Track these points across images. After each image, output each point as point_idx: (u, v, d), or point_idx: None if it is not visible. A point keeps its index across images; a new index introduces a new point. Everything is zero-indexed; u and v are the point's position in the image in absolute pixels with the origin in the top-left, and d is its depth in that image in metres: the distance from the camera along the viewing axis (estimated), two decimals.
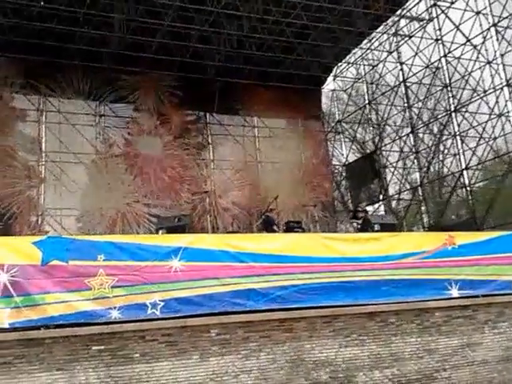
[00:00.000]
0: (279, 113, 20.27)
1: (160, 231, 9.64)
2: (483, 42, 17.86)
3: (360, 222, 11.57)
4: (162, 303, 7.71)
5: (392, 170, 21.44)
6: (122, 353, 6.86)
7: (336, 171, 22.65)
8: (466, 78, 18.64)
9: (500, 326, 8.76)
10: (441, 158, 19.93)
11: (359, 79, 22.09)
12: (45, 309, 7.16)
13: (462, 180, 18.33)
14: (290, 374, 7.41)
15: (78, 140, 17.77)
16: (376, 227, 11.07)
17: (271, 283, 8.37)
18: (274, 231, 12.06)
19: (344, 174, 22.50)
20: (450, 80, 19.04)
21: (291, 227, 12.42)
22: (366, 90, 22.23)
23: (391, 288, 9.09)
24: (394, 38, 20.17)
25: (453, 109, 18.81)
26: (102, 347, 6.79)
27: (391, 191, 21.62)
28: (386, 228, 11.00)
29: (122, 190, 17.90)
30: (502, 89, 16.95)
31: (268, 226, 12.42)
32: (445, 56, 18.99)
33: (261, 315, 7.54)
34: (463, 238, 10.22)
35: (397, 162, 21.17)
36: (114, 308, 7.47)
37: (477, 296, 9.31)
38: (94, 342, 6.80)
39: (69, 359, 6.67)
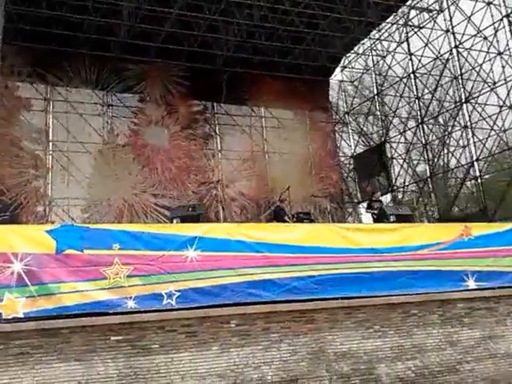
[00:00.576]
0: (287, 103, 20.10)
1: (174, 220, 9.46)
2: (495, 34, 17.60)
3: (376, 211, 11.41)
4: (178, 293, 7.56)
5: (400, 161, 21.26)
6: (141, 343, 6.72)
7: (344, 163, 22.47)
8: (476, 69, 18.41)
9: None
10: (450, 150, 19.65)
11: (368, 70, 21.85)
12: (60, 298, 7.03)
13: (471, 172, 18.14)
14: (311, 365, 7.27)
15: (85, 130, 17.62)
16: (392, 218, 10.91)
17: (287, 274, 8.23)
18: (286, 222, 11.92)
19: (352, 166, 22.30)
20: (461, 71, 18.78)
21: (300, 218, 12.32)
22: (374, 81, 21.99)
23: (408, 279, 8.96)
24: (404, 29, 19.95)
25: (463, 100, 18.56)
26: (121, 337, 6.65)
27: (398, 183, 21.43)
28: (401, 219, 10.84)
29: (130, 181, 17.76)
30: None
31: (279, 216, 12.27)
32: (456, 47, 18.73)
33: (281, 306, 7.40)
34: (480, 229, 10.09)
35: (405, 153, 20.96)
36: (130, 298, 7.32)
37: (493, 288, 9.17)
38: (112, 332, 6.66)
39: (87, 350, 6.53)
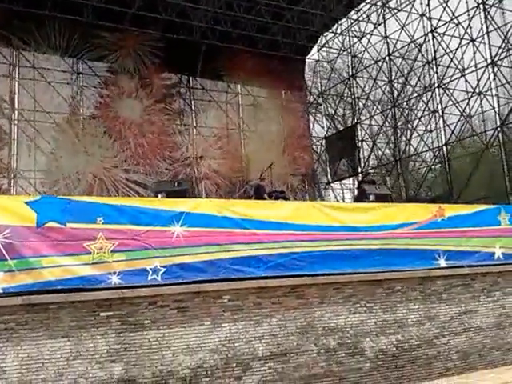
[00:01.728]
0: (262, 81, 20.00)
1: (159, 195, 9.28)
2: (470, 21, 17.86)
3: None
4: (164, 269, 7.41)
5: (370, 144, 21.52)
6: (132, 319, 6.57)
7: (316, 143, 22.57)
8: (449, 55, 18.68)
9: (493, 295, 9.01)
10: (419, 134, 20.00)
11: (344, 51, 21.86)
12: (41, 273, 6.74)
13: (440, 155, 18.55)
14: (300, 340, 7.35)
15: (53, 99, 16.95)
16: (371, 197, 11.06)
17: (272, 250, 8.21)
18: (264, 200, 11.89)
19: (324, 147, 22.42)
20: (435, 56, 19.02)
21: (276, 197, 12.33)
22: (349, 64, 22.03)
23: (385, 257, 9.12)
24: (382, 11, 20.01)
25: (436, 85, 18.86)
26: (111, 313, 6.47)
27: (368, 165, 21.70)
28: (380, 198, 11.04)
29: (100, 154, 17.25)
30: (487, 67, 16.95)
31: (259, 194, 12.23)
32: (432, 31, 18.93)
33: (273, 281, 7.42)
34: (452, 210, 10.37)
35: (376, 136, 21.22)
36: (114, 273, 7.11)
37: (462, 266, 9.47)
38: (102, 307, 6.46)
39: (75, 326, 6.28)
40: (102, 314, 6.41)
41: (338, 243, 8.79)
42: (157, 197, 9.34)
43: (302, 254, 8.35)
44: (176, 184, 9.43)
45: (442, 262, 9.39)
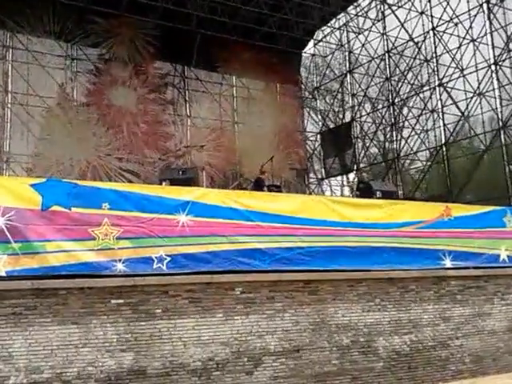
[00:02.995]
0: (258, 74, 19.77)
1: (163, 183, 8.97)
2: (472, 21, 17.81)
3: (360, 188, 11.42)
4: (169, 258, 7.19)
5: (366, 141, 21.39)
6: (144, 307, 6.31)
7: (311, 139, 22.38)
8: (449, 54, 18.62)
9: (507, 298, 8.86)
10: (417, 133, 19.93)
11: (341, 46, 21.68)
12: (45, 257, 6.52)
13: (439, 155, 18.48)
14: (313, 336, 7.12)
15: (46, 84, 16.52)
16: (378, 194, 10.89)
17: (278, 244, 8.02)
18: None
19: (319, 142, 22.25)
20: (436, 54, 18.93)
21: (272, 191, 12.10)
22: (346, 59, 21.85)
23: (390, 255, 8.96)
24: (381, 7, 19.87)
25: (436, 84, 18.79)
26: (122, 301, 6.21)
27: (366, 162, 21.60)
28: (386, 195, 10.86)
29: (94, 142, 16.94)
30: (489, 67, 16.90)
31: (259, 188, 12.01)
32: (433, 29, 18.84)
33: (286, 275, 7.18)
34: (459, 210, 10.25)
35: (374, 133, 21.10)
36: (119, 260, 6.88)
37: (468, 267, 9.34)
38: (112, 295, 6.21)
39: (85, 312, 6.05)
40: (113, 301, 6.18)
41: (344, 239, 8.60)
42: (161, 184, 9.05)
43: (307, 248, 8.15)
44: (181, 172, 9.12)
45: (448, 263, 9.23)
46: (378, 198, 10.73)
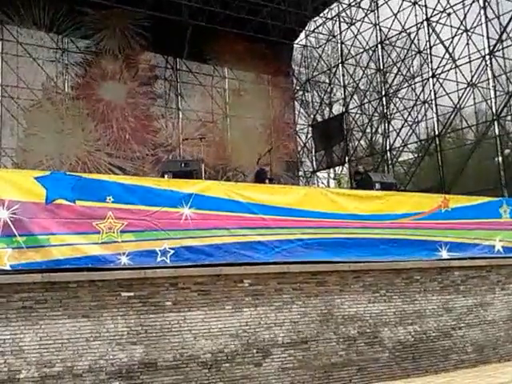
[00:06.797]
0: (250, 67, 19.69)
1: (166, 175, 8.91)
2: (467, 11, 17.83)
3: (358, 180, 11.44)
4: (172, 251, 7.18)
5: (358, 133, 21.42)
6: (154, 300, 6.29)
7: (302, 131, 22.35)
8: (444, 44, 18.58)
9: (508, 288, 8.97)
10: (409, 124, 19.97)
11: (334, 37, 21.64)
12: (49, 251, 6.47)
13: (432, 146, 18.55)
14: (320, 327, 7.15)
15: (37, 78, 16.31)
16: (377, 186, 10.92)
17: (278, 236, 8.03)
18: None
19: (310, 135, 22.23)
20: (430, 45, 18.94)
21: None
22: (339, 50, 21.82)
23: (388, 247, 9.01)
24: None
25: (430, 75, 18.83)
26: (132, 294, 6.19)
27: (356, 155, 21.63)
28: (386, 187, 10.89)
29: (83, 137, 16.78)
30: (484, 57, 16.88)
31: (260, 179, 11.99)
32: (427, 20, 18.83)
33: (294, 267, 7.19)
34: (456, 201, 10.31)
35: (366, 125, 21.14)
36: (123, 254, 6.86)
37: (464, 258, 9.43)
38: (123, 287, 6.17)
39: (96, 305, 6.02)
40: (123, 294, 6.16)
41: (344, 231, 8.63)
42: (163, 177, 9.00)
43: (307, 240, 8.19)
44: (183, 164, 9.06)
45: (444, 254, 9.31)
46: (377, 190, 10.82)
